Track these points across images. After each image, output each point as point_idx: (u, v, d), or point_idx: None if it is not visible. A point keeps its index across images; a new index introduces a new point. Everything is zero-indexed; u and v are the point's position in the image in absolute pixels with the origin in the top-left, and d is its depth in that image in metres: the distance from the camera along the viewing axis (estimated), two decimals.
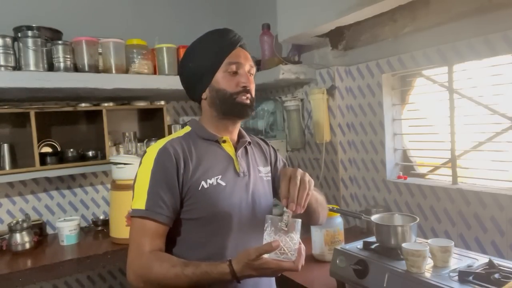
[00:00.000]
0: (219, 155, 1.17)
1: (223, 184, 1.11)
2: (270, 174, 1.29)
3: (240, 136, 1.26)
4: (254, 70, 1.19)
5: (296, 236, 0.95)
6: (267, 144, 1.37)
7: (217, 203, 1.09)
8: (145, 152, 1.13)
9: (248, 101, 1.15)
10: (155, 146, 1.12)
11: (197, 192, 1.08)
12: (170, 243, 1.11)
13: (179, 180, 1.08)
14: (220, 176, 1.12)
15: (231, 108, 1.14)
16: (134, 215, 1.06)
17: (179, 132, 1.21)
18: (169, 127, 2.58)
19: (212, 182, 1.10)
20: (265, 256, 0.92)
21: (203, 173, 1.10)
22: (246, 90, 1.13)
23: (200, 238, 1.10)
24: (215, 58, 1.13)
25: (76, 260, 1.93)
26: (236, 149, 1.20)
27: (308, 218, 1.25)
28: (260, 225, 1.01)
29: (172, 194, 1.06)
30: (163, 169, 1.07)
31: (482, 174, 1.70)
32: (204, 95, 1.16)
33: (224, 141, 1.18)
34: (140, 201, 1.05)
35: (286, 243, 0.94)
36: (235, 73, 1.13)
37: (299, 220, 0.97)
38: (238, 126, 1.24)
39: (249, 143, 1.26)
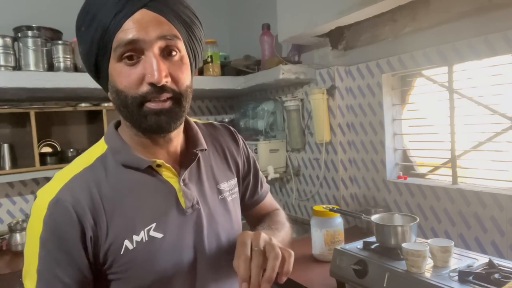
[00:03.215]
0: (151, 190, 0.77)
1: (159, 236, 0.75)
2: (237, 189, 0.93)
3: (189, 142, 0.85)
4: (180, 44, 0.71)
5: None
6: (234, 139, 0.96)
7: (153, 266, 0.74)
8: (35, 196, 0.72)
9: (162, 107, 0.70)
10: (45, 194, 0.70)
11: (120, 257, 0.72)
12: None
13: (88, 247, 0.70)
14: (153, 225, 0.74)
15: (139, 120, 0.72)
16: None
17: (89, 157, 0.77)
18: None
19: (141, 238, 0.73)
20: None
21: (125, 227, 0.72)
22: (157, 90, 0.68)
23: None
24: (101, 36, 0.67)
25: None
26: (180, 173, 0.80)
27: None
28: (227, 269, 0.77)
29: (77, 269, 0.69)
30: (57, 237, 0.68)
31: (482, 174, 1.70)
32: (109, 96, 0.75)
33: (159, 166, 0.77)
34: (30, 281, 0.69)
35: None
36: (131, 59, 0.67)
37: None
38: (177, 135, 0.81)
39: (203, 150, 0.86)
